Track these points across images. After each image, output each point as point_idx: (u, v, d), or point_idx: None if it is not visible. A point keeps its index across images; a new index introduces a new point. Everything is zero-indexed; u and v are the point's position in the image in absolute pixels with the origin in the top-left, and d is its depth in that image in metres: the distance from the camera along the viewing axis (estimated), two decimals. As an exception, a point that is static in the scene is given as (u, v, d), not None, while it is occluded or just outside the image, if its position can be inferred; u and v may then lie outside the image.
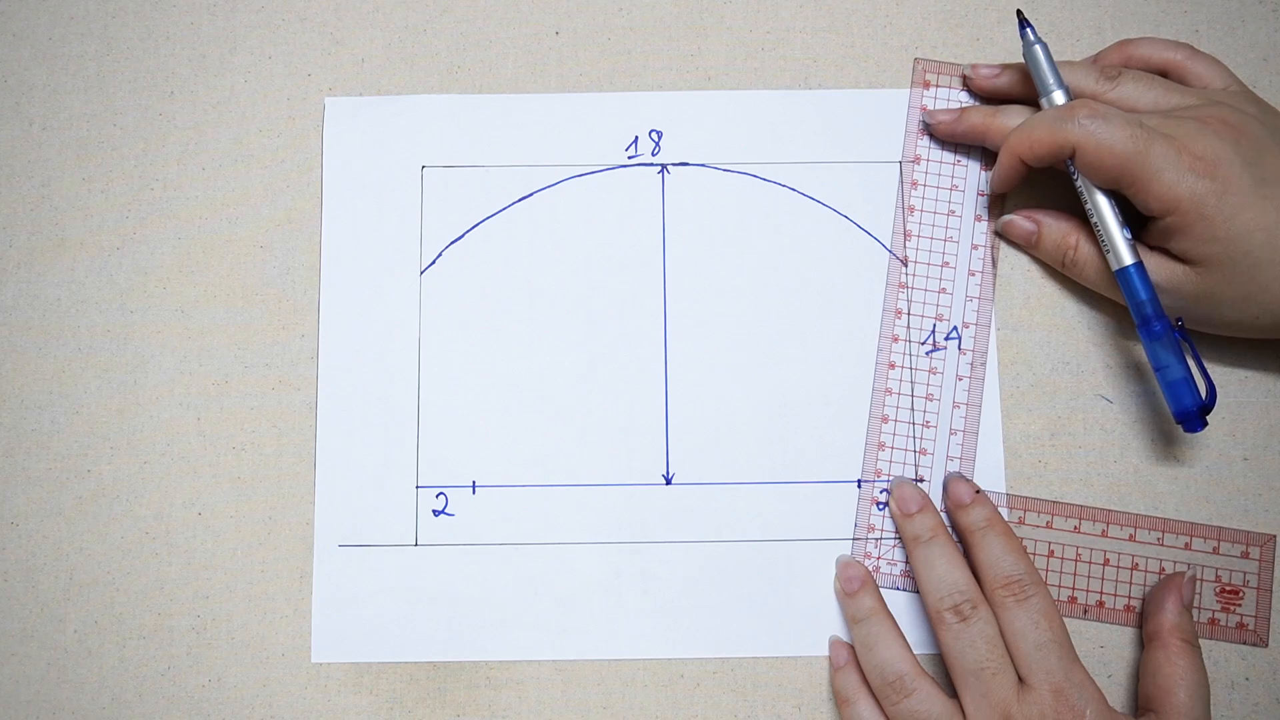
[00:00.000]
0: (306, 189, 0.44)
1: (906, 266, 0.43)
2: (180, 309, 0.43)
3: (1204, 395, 0.39)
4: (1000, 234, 0.43)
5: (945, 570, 0.39)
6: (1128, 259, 0.39)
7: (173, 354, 0.43)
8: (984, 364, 0.43)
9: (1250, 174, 0.38)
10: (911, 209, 0.44)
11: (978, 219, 0.44)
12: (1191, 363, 0.40)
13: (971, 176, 0.44)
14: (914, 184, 0.44)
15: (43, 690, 0.41)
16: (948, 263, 0.43)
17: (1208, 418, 0.39)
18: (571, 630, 0.41)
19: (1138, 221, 0.40)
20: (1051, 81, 0.41)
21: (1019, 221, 0.43)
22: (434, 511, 0.42)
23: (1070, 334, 0.43)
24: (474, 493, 0.42)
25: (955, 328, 0.43)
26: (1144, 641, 0.40)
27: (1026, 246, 0.43)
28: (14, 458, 0.43)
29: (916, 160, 0.44)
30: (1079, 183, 0.40)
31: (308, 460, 0.43)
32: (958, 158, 0.44)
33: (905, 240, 0.44)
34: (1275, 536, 0.41)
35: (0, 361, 0.43)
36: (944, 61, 0.45)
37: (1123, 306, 0.42)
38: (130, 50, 0.45)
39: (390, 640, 0.41)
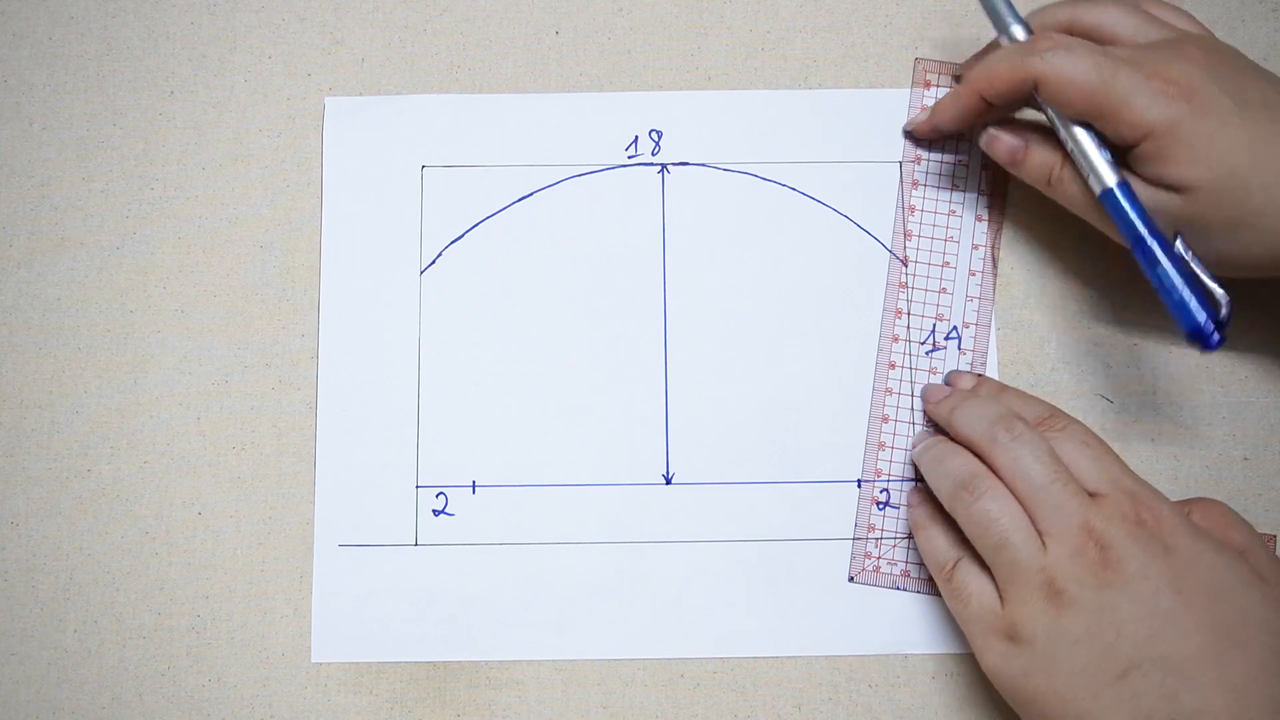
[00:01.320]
0: (306, 189, 0.44)
1: (906, 266, 0.43)
2: (180, 309, 0.43)
3: (1215, 309, 0.37)
4: (985, 150, 0.41)
5: (954, 462, 0.38)
6: (1111, 180, 0.37)
7: (173, 354, 0.43)
8: (984, 364, 0.43)
9: (1230, 97, 0.36)
10: (912, 209, 0.44)
11: (978, 219, 0.44)
12: (1199, 272, 0.37)
13: (972, 177, 0.44)
14: (914, 184, 0.44)
15: (43, 690, 0.41)
16: (948, 263, 0.43)
17: (1225, 333, 0.37)
18: (571, 630, 0.41)
19: (1118, 158, 0.39)
20: (1008, 17, 0.40)
21: (1004, 137, 0.40)
22: (434, 511, 0.42)
23: (1070, 334, 0.43)
24: (474, 493, 0.42)
25: (955, 328, 0.43)
26: None
27: (1010, 165, 0.41)
28: (14, 458, 0.43)
29: (917, 160, 0.44)
30: (1051, 115, 0.39)
31: (308, 460, 0.43)
32: (958, 158, 0.44)
33: (905, 240, 0.44)
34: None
35: (0, 361, 0.43)
36: (944, 61, 0.45)
37: (1124, 304, 0.42)
38: (130, 50, 0.45)
39: (390, 640, 0.41)
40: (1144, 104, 0.36)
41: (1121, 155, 0.38)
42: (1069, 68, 0.37)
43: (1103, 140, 0.38)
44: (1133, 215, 0.37)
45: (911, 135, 0.44)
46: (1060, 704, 0.34)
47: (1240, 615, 0.34)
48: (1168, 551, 0.34)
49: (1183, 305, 0.37)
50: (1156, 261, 0.37)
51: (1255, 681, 0.33)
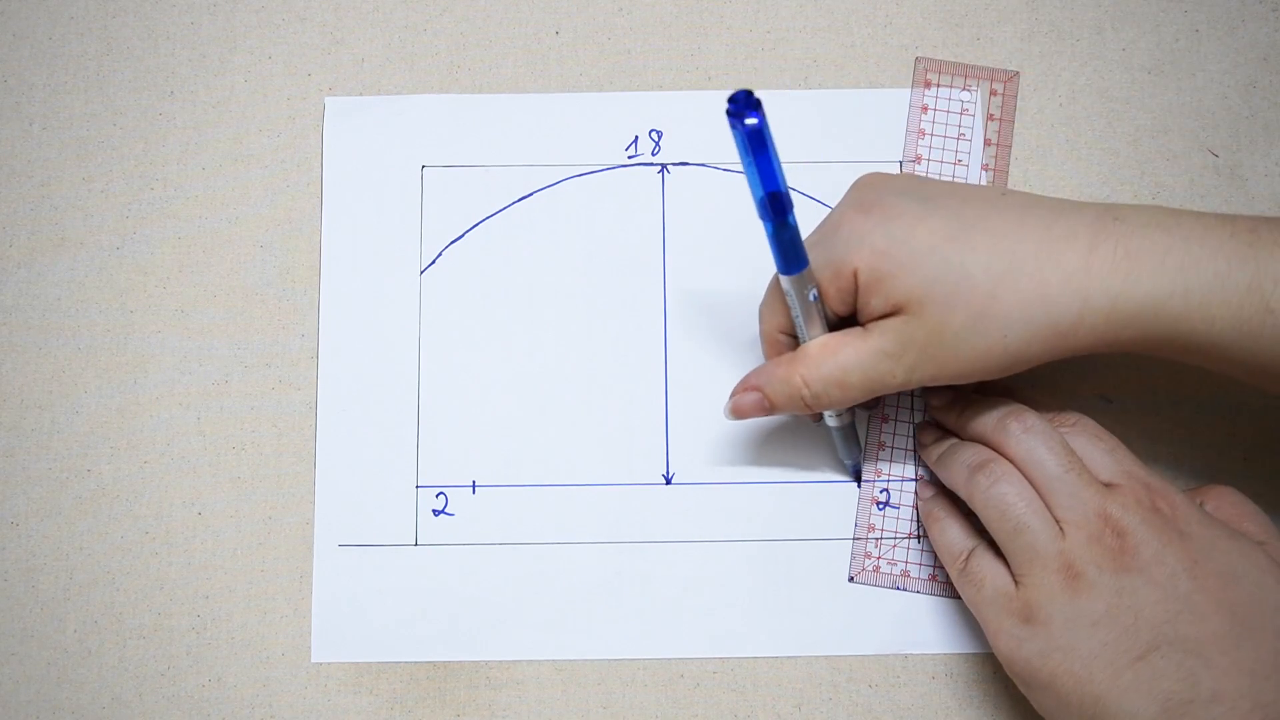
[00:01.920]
0: (306, 189, 0.44)
1: (906, 266, 0.43)
2: (180, 309, 0.43)
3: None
4: (736, 417, 0.40)
5: (969, 450, 0.38)
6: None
7: (173, 354, 0.43)
8: (984, 364, 0.43)
9: (910, 197, 0.36)
10: (911, 209, 0.44)
11: (978, 219, 0.44)
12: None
13: (972, 177, 0.44)
14: (914, 184, 0.44)
15: (43, 690, 0.41)
16: (948, 263, 0.43)
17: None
18: (571, 630, 0.41)
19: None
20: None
21: (742, 399, 0.39)
22: (434, 511, 0.42)
23: (1070, 334, 0.43)
24: (474, 493, 0.42)
25: (955, 328, 0.43)
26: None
27: (767, 413, 0.39)
28: (14, 458, 0.43)
29: (917, 160, 0.44)
30: (792, 301, 0.37)
31: (308, 460, 0.43)
32: (958, 158, 0.44)
33: (905, 240, 0.43)
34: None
35: (0, 361, 0.43)
36: (945, 60, 0.45)
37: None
38: (130, 50, 0.45)
39: (390, 640, 0.41)
40: (839, 250, 0.36)
41: (857, 317, 0.37)
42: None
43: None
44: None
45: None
46: (1077, 685, 0.34)
47: (1256, 601, 0.34)
48: (1183, 538, 0.35)
49: (858, 470, 0.42)
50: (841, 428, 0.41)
51: (1272, 667, 0.33)
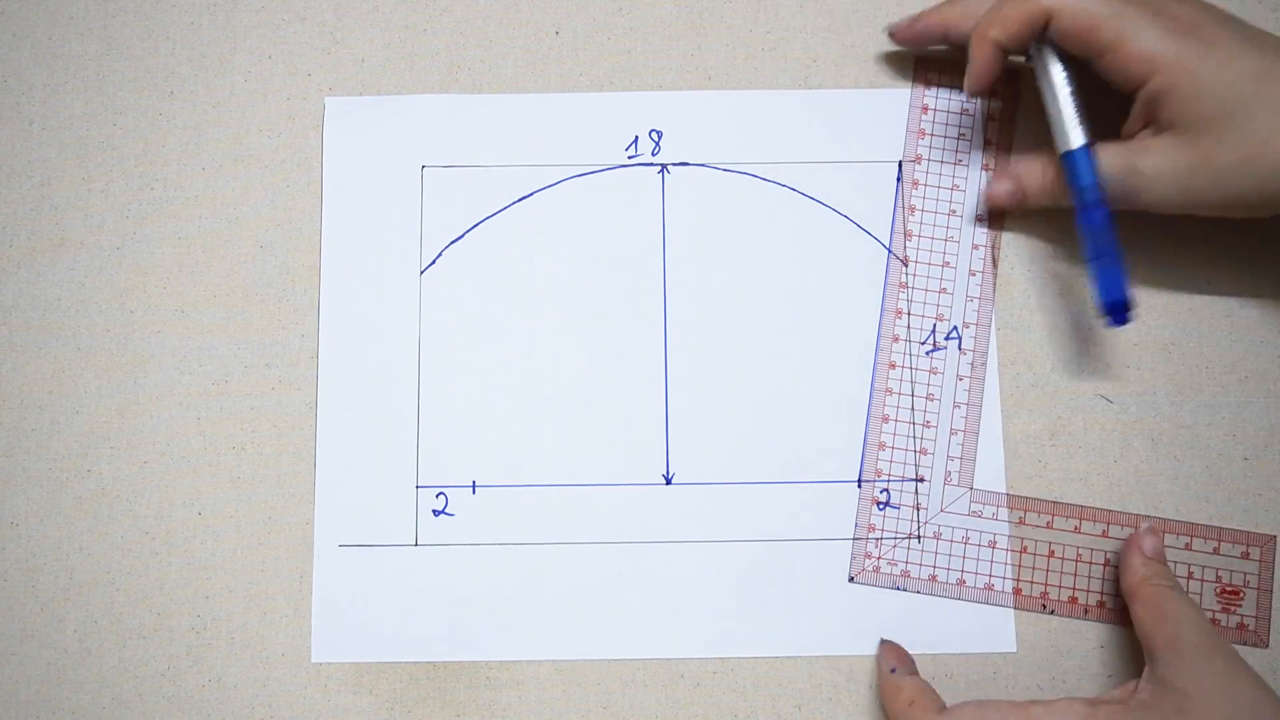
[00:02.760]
0: (306, 189, 0.44)
1: (907, 266, 0.43)
2: (180, 309, 0.44)
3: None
4: (993, 209, 0.43)
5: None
6: (1075, 141, 0.39)
7: (173, 354, 0.43)
8: (984, 364, 0.43)
9: (1230, 30, 0.38)
10: (912, 209, 0.44)
11: (978, 219, 0.44)
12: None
13: (973, 176, 0.44)
14: (914, 184, 0.44)
15: (43, 690, 0.41)
16: (948, 262, 0.43)
17: (1130, 315, 0.39)
18: (571, 630, 0.41)
19: (1118, 112, 0.40)
20: None
21: (998, 186, 0.42)
22: (434, 511, 0.42)
23: (1070, 334, 0.43)
24: (474, 493, 0.42)
25: (955, 328, 0.43)
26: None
27: (1017, 205, 0.43)
28: (14, 458, 0.43)
29: (917, 160, 0.44)
30: (1039, 70, 0.40)
31: (308, 460, 0.43)
32: (959, 157, 0.44)
33: (905, 240, 0.44)
34: (1275, 537, 0.41)
35: (0, 361, 0.43)
36: (945, 60, 0.45)
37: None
38: (130, 50, 0.45)
39: (390, 640, 0.41)
40: (1152, 37, 0.38)
41: (1125, 103, 0.39)
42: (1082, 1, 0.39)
43: (1084, 108, 0.40)
44: (1087, 181, 0.39)
45: (891, 37, 0.44)
46: None
47: None
48: None
49: (1110, 276, 0.39)
50: (1098, 232, 0.39)
51: None
